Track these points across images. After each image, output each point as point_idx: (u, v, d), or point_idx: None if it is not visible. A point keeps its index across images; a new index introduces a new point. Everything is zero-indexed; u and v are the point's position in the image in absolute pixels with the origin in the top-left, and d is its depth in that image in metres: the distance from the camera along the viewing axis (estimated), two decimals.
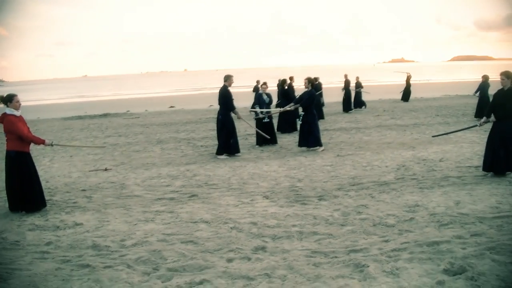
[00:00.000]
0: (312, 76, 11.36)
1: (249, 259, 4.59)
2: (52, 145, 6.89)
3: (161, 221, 5.95)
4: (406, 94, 23.62)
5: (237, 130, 10.80)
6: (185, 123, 18.09)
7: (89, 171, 9.55)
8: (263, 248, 4.86)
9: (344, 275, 4.13)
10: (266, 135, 11.25)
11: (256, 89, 19.13)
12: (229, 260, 4.57)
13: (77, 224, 5.98)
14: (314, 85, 10.84)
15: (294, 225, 5.57)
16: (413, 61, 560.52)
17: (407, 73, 24.06)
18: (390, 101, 24.83)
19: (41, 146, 7.39)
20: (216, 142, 10.90)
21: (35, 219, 6.29)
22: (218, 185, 7.78)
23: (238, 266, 4.42)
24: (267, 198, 6.84)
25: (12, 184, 6.54)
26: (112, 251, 4.96)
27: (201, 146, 12.23)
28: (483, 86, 15.49)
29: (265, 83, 12.45)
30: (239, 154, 10.49)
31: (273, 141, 11.85)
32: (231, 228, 5.57)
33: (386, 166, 8.68)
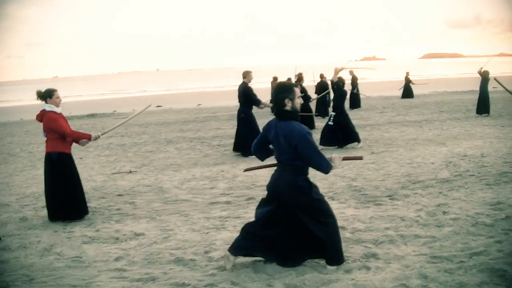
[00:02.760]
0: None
1: (368, 268, 4.08)
2: (99, 136, 6.13)
3: (234, 228, 5.36)
4: (407, 91, 23.64)
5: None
6: (183, 122, 17.35)
7: (113, 173, 8.80)
8: (374, 255, 4.36)
9: (487, 282, 3.70)
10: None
11: (273, 84, 18.97)
12: (347, 271, 4.03)
13: (137, 235, 5.31)
14: (344, 84, 10.52)
15: (387, 228, 5.10)
16: (384, 59, 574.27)
17: (406, 72, 24.27)
18: (381, 97, 24.79)
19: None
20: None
21: (84, 230, 5.57)
22: None
23: (362, 277, 3.90)
24: (333, 199, 6.34)
25: (54, 190, 5.79)
26: (202, 266, 4.33)
27: (218, 145, 11.60)
28: (483, 81, 15.39)
29: (289, 80, 11.97)
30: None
31: None
32: None
33: (432, 163, 8.32)
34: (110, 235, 5.35)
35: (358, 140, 10.44)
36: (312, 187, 3.98)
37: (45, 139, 5.88)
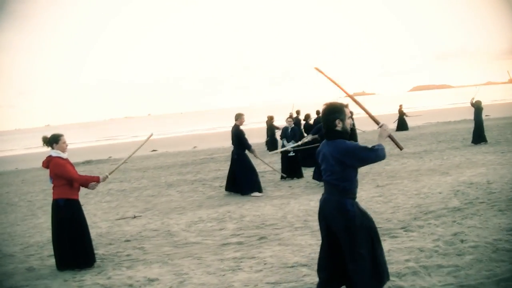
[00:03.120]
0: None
1: None
2: (107, 177, 6.06)
3: (250, 269, 5.21)
4: (401, 123, 23.97)
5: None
6: (182, 165, 17.26)
7: (117, 219, 8.63)
8: None
9: None
10: (282, 174, 11.03)
11: (268, 123, 18.92)
12: None
13: (151, 280, 5.14)
14: None
15: (407, 260, 4.99)
16: (374, 94, 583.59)
17: (400, 105, 24.69)
18: (376, 132, 24.95)
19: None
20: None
21: (95, 278, 5.39)
22: (278, 225, 7.11)
23: None
24: None
25: (62, 237, 5.64)
26: None
27: (220, 186, 11.48)
28: (477, 111, 15.57)
29: (290, 117, 12.06)
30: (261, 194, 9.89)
31: (298, 175, 11.42)
32: None
33: (440, 193, 8.27)
34: (123, 282, 5.18)
35: None
36: (356, 213, 3.77)
37: (52, 185, 5.79)
